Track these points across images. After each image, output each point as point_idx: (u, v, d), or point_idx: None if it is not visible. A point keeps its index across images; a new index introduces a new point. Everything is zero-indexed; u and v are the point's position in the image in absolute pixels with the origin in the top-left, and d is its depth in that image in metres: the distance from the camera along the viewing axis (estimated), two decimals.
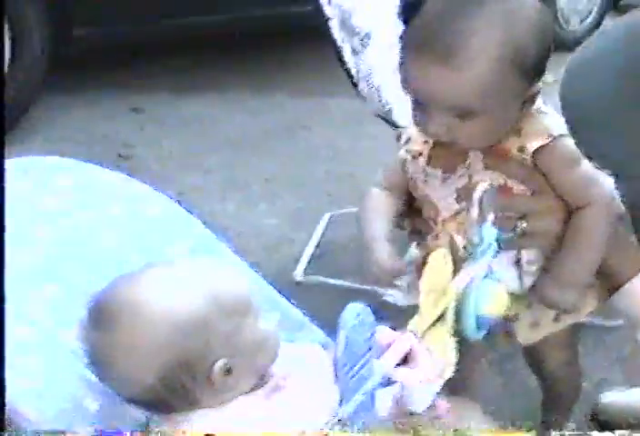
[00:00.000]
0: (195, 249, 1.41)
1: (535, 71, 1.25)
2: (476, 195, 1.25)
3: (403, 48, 1.26)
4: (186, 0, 4.04)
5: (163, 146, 3.43)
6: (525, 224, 1.30)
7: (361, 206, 1.42)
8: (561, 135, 1.29)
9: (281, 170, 3.23)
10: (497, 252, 1.23)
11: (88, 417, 1.13)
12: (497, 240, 1.23)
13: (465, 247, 1.30)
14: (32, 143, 3.20)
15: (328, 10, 2.04)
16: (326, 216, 2.77)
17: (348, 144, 3.49)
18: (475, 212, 1.25)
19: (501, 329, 1.36)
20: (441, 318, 1.18)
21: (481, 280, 1.20)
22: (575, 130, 1.30)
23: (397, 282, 1.36)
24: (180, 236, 1.42)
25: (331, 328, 1.21)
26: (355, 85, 2.09)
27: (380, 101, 2.02)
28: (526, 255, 1.34)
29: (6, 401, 0.97)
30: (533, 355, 1.57)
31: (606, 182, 1.31)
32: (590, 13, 5.48)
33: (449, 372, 1.15)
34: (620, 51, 1.37)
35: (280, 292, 1.44)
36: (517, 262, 1.34)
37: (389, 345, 1.14)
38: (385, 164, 1.44)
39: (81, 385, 1.15)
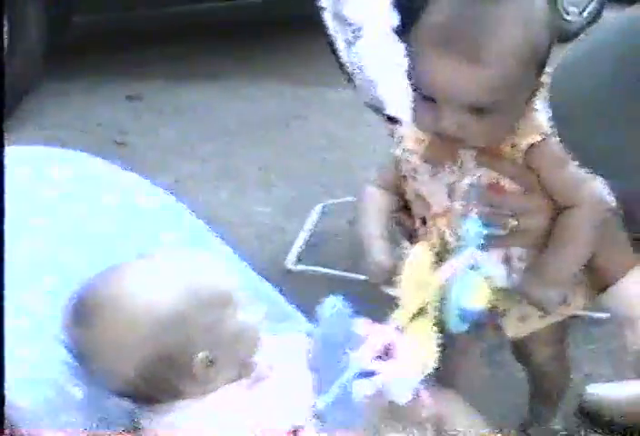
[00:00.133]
0: (186, 239, 1.41)
1: (543, 66, 1.25)
2: (462, 188, 1.26)
3: (417, 46, 1.24)
4: None
5: (159, 134, 3.43)
6: (515, 222, 1.29)
7: (357, 205, 1.42)
8: (553, 133, 1.29)
9: (276, 159, 3.23)
10: (482, 244, 1.24)
11: (74, 404, 1.13)
12: (485, 234, 1.23)
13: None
14: (28, 129, 3.19)
15: (322, 0, 2.04)
16: (319, 206, 2.78)
17: (344, 133, 3.48)
18: (459, 204, 1.25)
19: (488, 321, 1.36)
20: (423, 310, 1.18)
21: (464, 272, 1.21)
22: (565, 122, 1.29)
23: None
24: (171, 227, 1.42)
25: None
26: (348, 76, 2.09)
27: (372, 92, 2.02)
28: (516, 252, 1.34)
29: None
30: (521, 349, 1.57)
31: (596, 182, 1.30)
32: (589, 2, 5.47)
33: (431, 364, 1.15)
34: (620, 43, 1.37)
35: (271, 281, 1.44)
36: (507, 260, 1.34)
37: (367, 337, 1.14)
38: (379, 163, 1.44)
39: (66, 372, 1.15)
